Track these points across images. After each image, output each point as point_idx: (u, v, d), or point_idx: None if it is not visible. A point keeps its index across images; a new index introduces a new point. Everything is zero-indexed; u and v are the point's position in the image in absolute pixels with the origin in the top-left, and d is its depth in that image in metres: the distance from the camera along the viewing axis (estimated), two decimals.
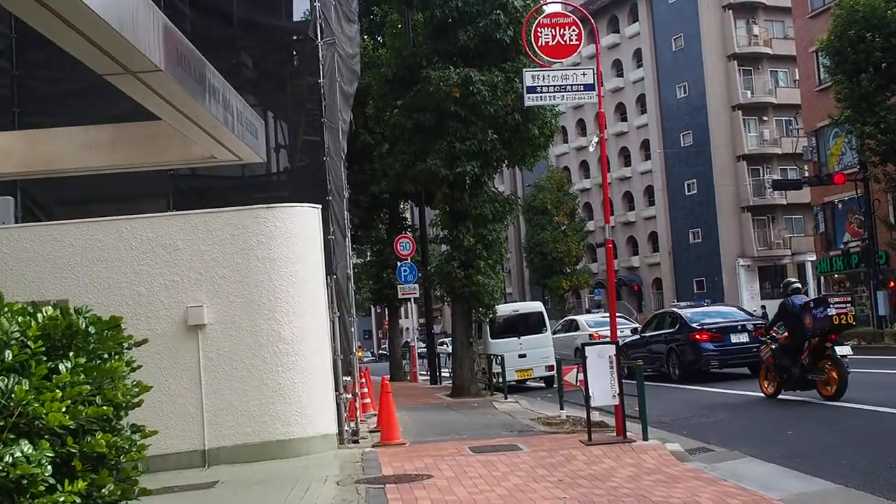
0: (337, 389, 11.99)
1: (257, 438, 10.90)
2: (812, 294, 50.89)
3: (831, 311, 14.05)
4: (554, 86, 11.57)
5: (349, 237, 14.65)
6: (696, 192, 58.80)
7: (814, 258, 46.59)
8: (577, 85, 11.60)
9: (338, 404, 11.97)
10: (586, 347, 10.98)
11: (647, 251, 63.42)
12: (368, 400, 17.00)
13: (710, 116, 57.19)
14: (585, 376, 10.92)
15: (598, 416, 11.88)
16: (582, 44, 11.69)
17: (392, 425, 11.89)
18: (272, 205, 11.15)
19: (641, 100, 63.35)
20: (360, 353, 67.28)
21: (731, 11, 57.57)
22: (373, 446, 11.69)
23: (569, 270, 57.28)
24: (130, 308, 10.92)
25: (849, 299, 14.84)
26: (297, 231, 11.28)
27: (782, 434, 11.61)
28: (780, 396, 15.34)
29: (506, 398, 18.95)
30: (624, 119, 64.90)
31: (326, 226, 11.95)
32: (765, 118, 58.01)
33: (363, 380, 17.48)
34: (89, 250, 10.93)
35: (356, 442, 12.27)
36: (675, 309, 25.69)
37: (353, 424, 12.91)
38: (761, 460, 9.75)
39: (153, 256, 10.99)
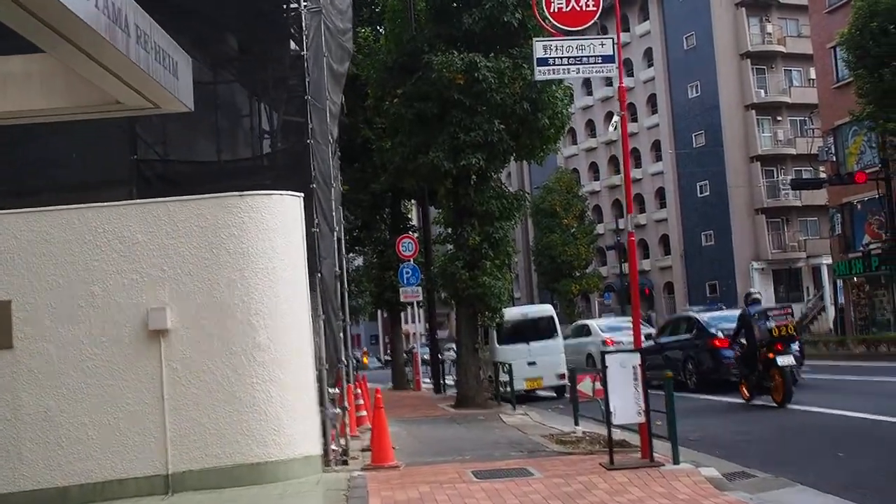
0: (322, 404, 10.55)
1: (228, 461, 9.47)
2: (828, 298, 49.43)
3: (770, 324, 15.14)
4: (568, 57, 10.12)
5: (340, 231, 13.24)
6: (708, 193, 57.24)
7: (829, 261, 44.99)
8: (595, 56, 10.15)
9: (323, 421, 10.53)
10: (607, 356, 9.51)
11: (659, 254, 61.82)
12: (364, 413, 15.56)
13: (722, 116, 55.60)
14: (606, 390, 9.47)
15: (618, 433, 10.43)
16: (599, 11, 10.26)
17: (384, 445, 10.43)
18: (246, 192, 9.73)
19: (652, 100, 61.77)
20: (364, 359, 65.90)
21: (744, 9, 55.97)
22: (363, 469, 10.23)
23: (578, 274, 55.70)
24: (83, 310, 9.53)
25: (789, 311, 15.89)
26: (276, 222, 9.86)
27: (831, 456, 10.14)
28: (789, 406, 15.17)
29: (514, 410, 17.51)
30: (634, 120, 63.24)
31: (311, 217, 10.52)
32: (779, 118, 56.39)
33: (359, 390, 16.06)
34: (35, 244, 9.51)
35: (345, 463, 10.82)
36: (692, 313, 24.18)
37: (343, 442, 11.47)
38: (815, 490, 8.33)
39: (109, 251, 9.58)
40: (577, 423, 12.76)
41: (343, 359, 11.54)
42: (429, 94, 18.35)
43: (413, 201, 31.32)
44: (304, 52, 10.52)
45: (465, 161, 17.97)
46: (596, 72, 10.27)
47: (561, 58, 10.09)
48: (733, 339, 16.87)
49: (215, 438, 9.48)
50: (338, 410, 11.22)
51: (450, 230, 20.10)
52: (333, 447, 10.82)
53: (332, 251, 11.54)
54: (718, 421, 14.43)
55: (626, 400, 9.31)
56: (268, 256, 9.77)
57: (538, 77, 10.38)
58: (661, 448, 9.68)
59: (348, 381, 13.56)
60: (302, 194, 10.19)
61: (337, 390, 11.47)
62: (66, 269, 9.56)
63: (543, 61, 10.11)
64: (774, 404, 15.26)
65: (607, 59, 10.13)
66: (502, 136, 18.20)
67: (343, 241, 14.13)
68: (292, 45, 10.87)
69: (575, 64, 10.12)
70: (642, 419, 9.41)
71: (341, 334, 11.54)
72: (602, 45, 10.20)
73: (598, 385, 12.83)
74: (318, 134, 10.93)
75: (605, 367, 9.40)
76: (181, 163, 10.78)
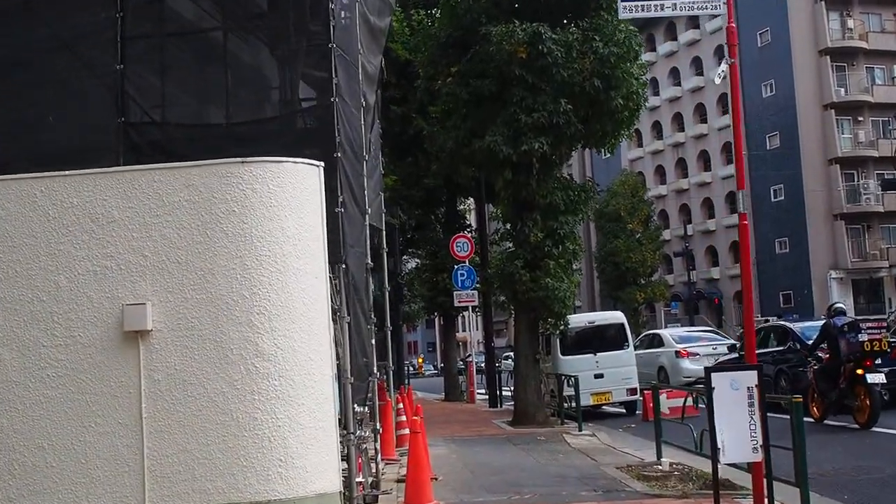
0: (346, 427, 8.47)
1: (221, 499, 7.41)
2: None
3: (863, 337, 14.00)
4: None
5: (381, 221, 11.22)
6: (783, 198, 54.15)
7: None
8: None
9: (348, 449, 8.45)
10: (713, 375, 7.26)
11: (729, 262, 58.69)
12: (407, 431, 13.41)
13: (799, 116, 52.55)
14: (711, 416, 7.23)
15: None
16: None
17: (421, 481, 8.31)
18: (249, 159, 7.70)
19: (723, 99, 58.62)
20: (420, 366, 65.78)
21: (823, 3, 52.85)
22: None
23: (643, 282, 53.18)
24: (44, 305, 7.57)
25: (884, 325, 15.04)
26: (287, 198, 7.79)
27: None
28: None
29: (580, 430, 15.29)
30: (704, 121, 60.49)
31: (334, 195, 8.46)
32: (860, 118, 53.18)
33: (400, 405, 13.98)
34: None
35: (375, 499, 8.74)
36: (784, 323, 21.75)
37: (373, 470, 9.37)
38: None
39: (78, 232, 7.61)
40: (660, 455, 10.49)
41: (375, 370, 9.44)
42: (486, 71, 16.30)
43: (470, 199, 29.22)
44: None
45: (526, 146, 15.83)
46: (699, 8, 8.03)
47: None
48: (811, 352, 15.59)
49: (205, 470, 7.44)
50: (366, 433, 9.12)
51: (508, 226, 17.97)
52: (360, 479, 8.73)
53: (363, 239, 9.47)
54: (830, 451, 11.99)
55: (738, 431, 7.07)
56: (276, 241, 7.70)
57: (622, 15, 8.25)
58: (780, 493, 7.43)
59: (388, 396, 11.49)
60: (322, 164, 8.13)
61: (366, 409, 9.38)
62: (25, 253, 7.63)
63: None
64: (856, 426, 14.02)
65: None
66: (569, 117, 16.01)
67: (384, 236, 12.08)
68: None
69: None
70: (759, 457, 7.15)
71: (373, 340, 9.46)
72: None
73: (687, 402, 10.70)
74: (346, 93, 8.88)
75: (709, 388, 7.16)
76: (177, 126, 8.84)
